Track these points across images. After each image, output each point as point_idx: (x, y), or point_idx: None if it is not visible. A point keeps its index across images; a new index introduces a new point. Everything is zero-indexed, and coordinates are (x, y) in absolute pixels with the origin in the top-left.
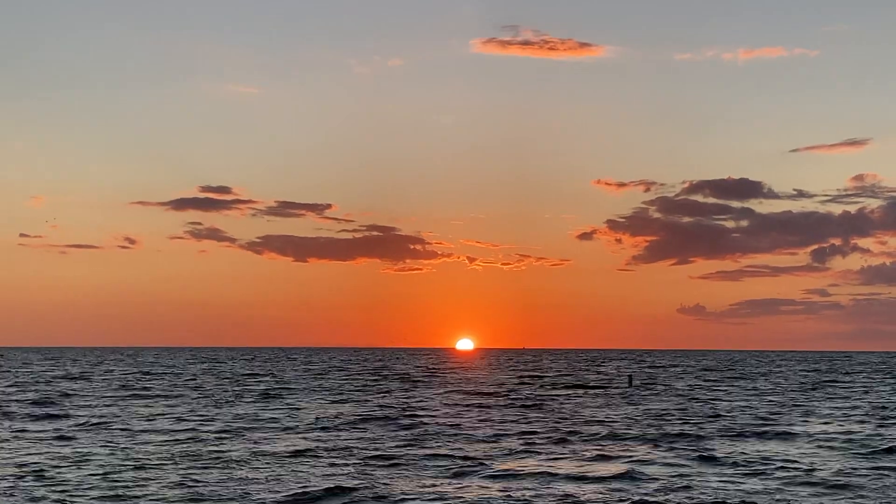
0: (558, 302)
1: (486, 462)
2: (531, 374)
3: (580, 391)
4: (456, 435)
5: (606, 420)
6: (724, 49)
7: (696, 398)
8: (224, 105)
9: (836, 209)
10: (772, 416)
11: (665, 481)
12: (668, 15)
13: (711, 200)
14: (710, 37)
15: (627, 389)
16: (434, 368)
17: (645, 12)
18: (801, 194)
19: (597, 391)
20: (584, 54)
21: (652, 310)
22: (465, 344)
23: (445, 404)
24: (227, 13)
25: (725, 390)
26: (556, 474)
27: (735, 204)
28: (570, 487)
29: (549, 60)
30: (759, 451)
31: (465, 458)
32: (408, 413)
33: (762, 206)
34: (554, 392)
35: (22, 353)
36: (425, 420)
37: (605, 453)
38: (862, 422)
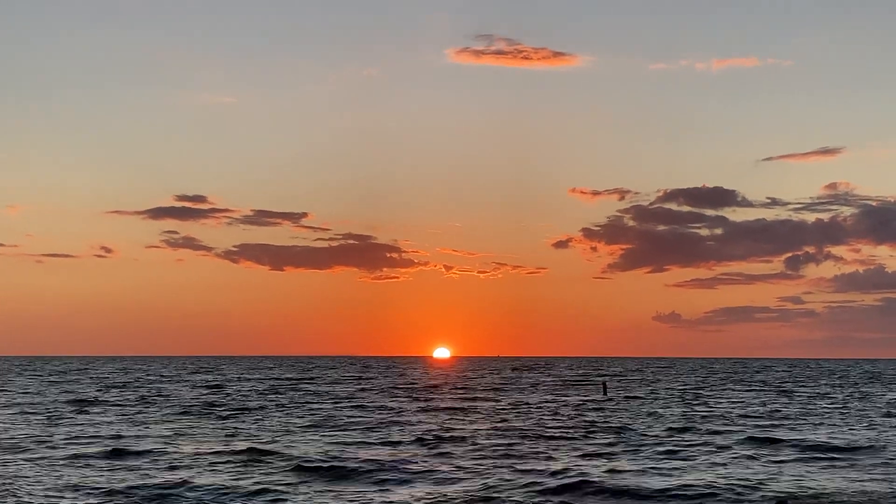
0: (534, 310)
1: None
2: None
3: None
4: None
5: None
6: (697, 58)
7: None
8: (199, 114)
9: (810, 217)
10: None
11: None
12: (642, 25)
13: (686, 209)
14: (684, 46)
15: (603, 397)
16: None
17: (619, 22)
18: (774, 202)
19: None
20: (559, 63)
21: (628, 318)
22: (441, 352)
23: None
24: (202, 22)
25: None
26: None
27: (709, 212)
28: None
29: (524, 70)
30: None
31: None
32: None
33: (736, 215)
34: None
35: None
36: None
37: None
38: None
